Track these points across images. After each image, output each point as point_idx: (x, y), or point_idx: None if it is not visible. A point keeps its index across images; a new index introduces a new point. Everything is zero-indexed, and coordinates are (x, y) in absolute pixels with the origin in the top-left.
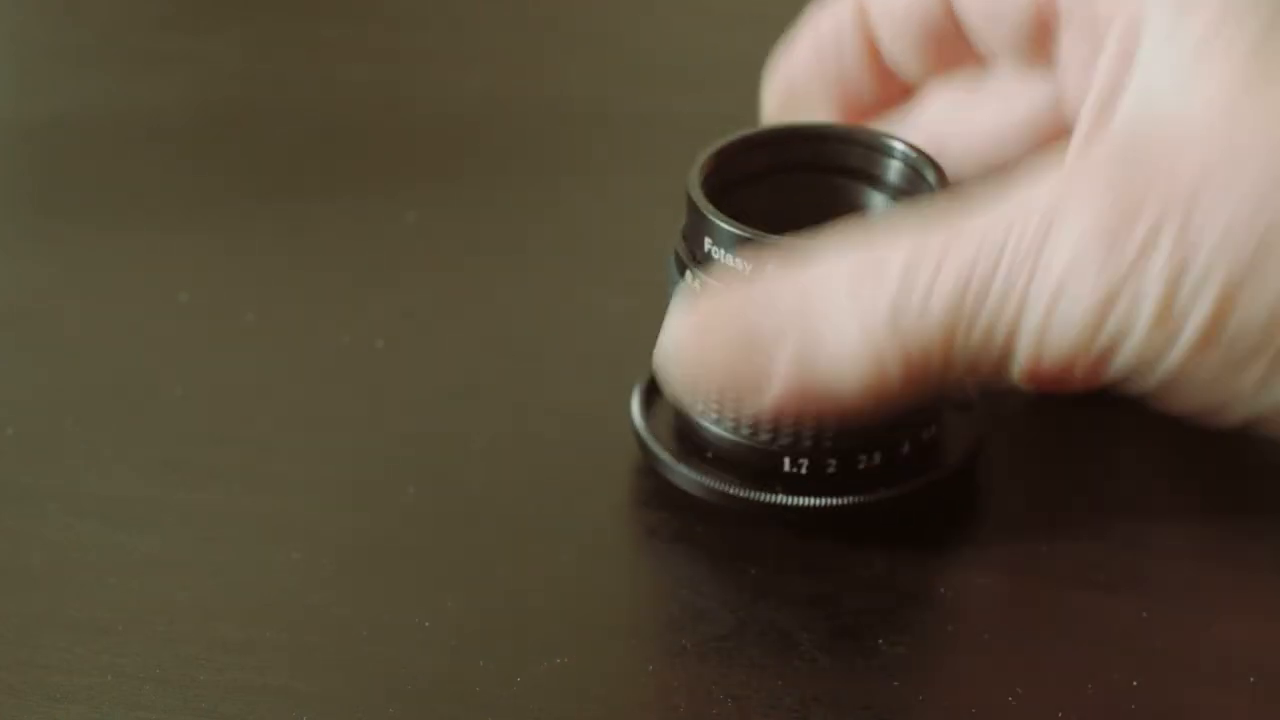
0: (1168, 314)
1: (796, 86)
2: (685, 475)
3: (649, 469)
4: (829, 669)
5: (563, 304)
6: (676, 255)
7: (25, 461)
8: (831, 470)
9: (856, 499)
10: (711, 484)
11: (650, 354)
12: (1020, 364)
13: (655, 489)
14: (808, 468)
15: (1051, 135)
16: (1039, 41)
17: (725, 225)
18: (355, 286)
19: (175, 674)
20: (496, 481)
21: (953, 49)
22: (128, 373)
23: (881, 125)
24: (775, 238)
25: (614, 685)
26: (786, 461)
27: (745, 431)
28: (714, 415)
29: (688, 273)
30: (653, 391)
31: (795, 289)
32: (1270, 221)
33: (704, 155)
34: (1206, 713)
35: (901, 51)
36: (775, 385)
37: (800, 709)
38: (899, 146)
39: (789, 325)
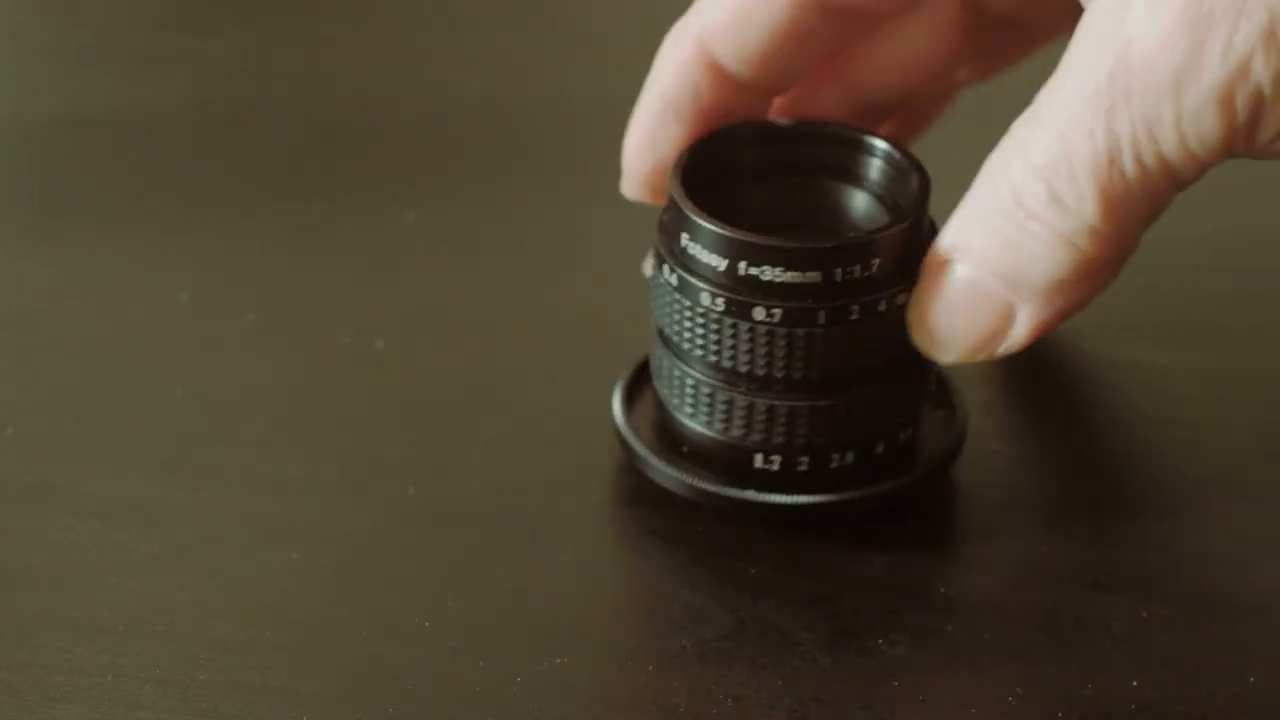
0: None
1: (661, 156)
2: (661, 470)
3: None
4: (829, 669)
5: (562, 304)
6: (655, 249)
7: (25, 461)
8: (803, 468)
9: (828, 497)
10: (685, 479)
11: (637, 351)
12: (1185, 174)
13: (655, 489)
14: (780, 464)
15: (959, 49)
16: None
17: (703, 222)
18: (355, 286)
19: (175, 674)
20: (496, 481)
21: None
22: (128, 373)
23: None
24: (754, 236)
25: (614, 685)
26: (759, 458)
27: (719, 426)
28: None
29: (665, 266)
30: (634, 388)
31: (981, 223)
32: None
33: (685, 150)
34: (1206, 713)
35: (760, 64)
36: (1020, 316)
37: (800, 709)
38: (880, 145)
39: (997, 265)
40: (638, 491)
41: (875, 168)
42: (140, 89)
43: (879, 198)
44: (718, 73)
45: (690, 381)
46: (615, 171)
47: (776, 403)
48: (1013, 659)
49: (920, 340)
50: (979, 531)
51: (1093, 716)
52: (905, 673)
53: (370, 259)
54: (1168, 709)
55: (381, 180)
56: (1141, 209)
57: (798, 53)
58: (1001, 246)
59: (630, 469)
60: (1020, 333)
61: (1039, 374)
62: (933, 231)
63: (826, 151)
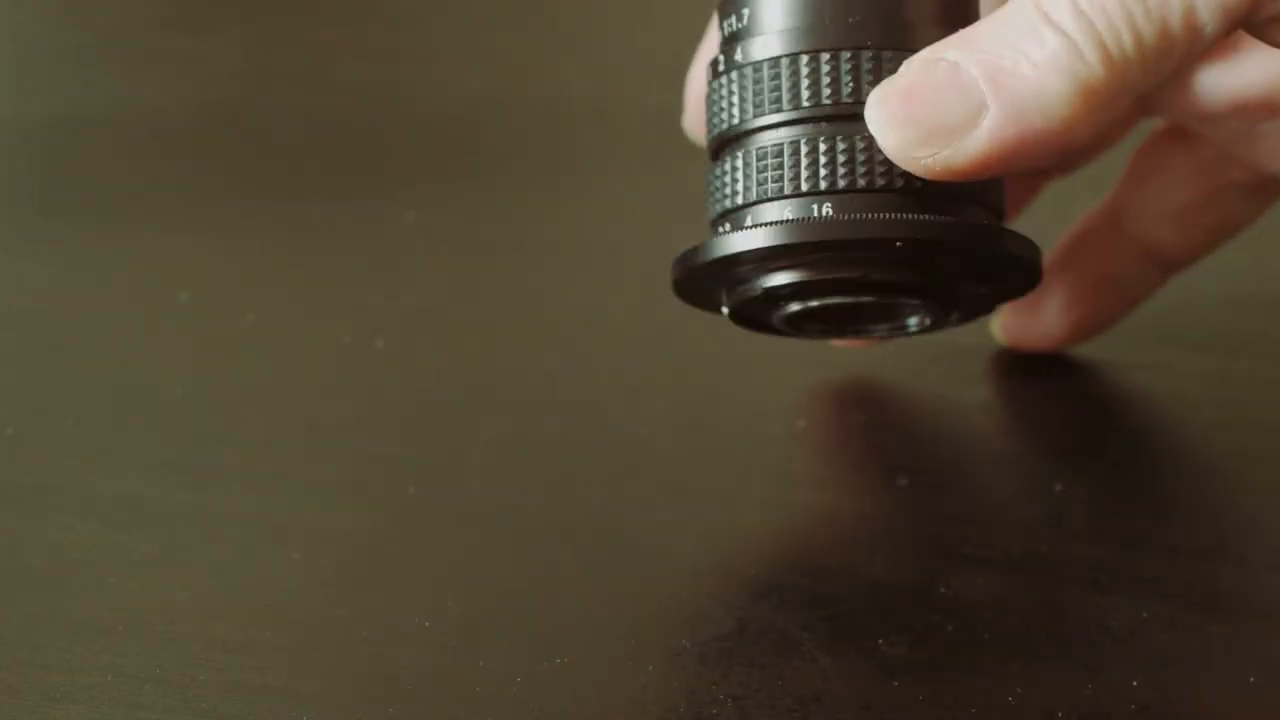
0: None
1: None
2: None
3: (650, 467)
4: (829, 669)
5: (562, 304)
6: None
7: (25, 461)
8: None
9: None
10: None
11: (647, 354)
12: (1204, 8)
13: (655, 489)
14: None
15: None
16: None
17: None
18: (355, 286)
19: (175, 674)
20: (496, 481)
21: None
22: (128, 373)
23: None
24: None
25: (614, 685)
26: None
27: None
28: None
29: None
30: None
31: (990, 33)
32: None
33: None
34: (1206, 713)
35: None
36: (987, 117)
37: (800, 709)
38: None
39: (993, 61)
40: (636, 492)
41: None
42: (140, 89)
43: None
44: None
45: None
46: (615, 171)
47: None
48: (1013, 659)
49: (876, 111)
50: (980, 532)
51: (1093, 716)
52: (905, 673)
53: (370, 259)
54: (1168, 709)
55: (381, 180)
56: (1150, 65)
57: None
58: (1000, 41)
59: (629, 469)
60: (977, 139)
61: (1039, 374)
62: None
63: None
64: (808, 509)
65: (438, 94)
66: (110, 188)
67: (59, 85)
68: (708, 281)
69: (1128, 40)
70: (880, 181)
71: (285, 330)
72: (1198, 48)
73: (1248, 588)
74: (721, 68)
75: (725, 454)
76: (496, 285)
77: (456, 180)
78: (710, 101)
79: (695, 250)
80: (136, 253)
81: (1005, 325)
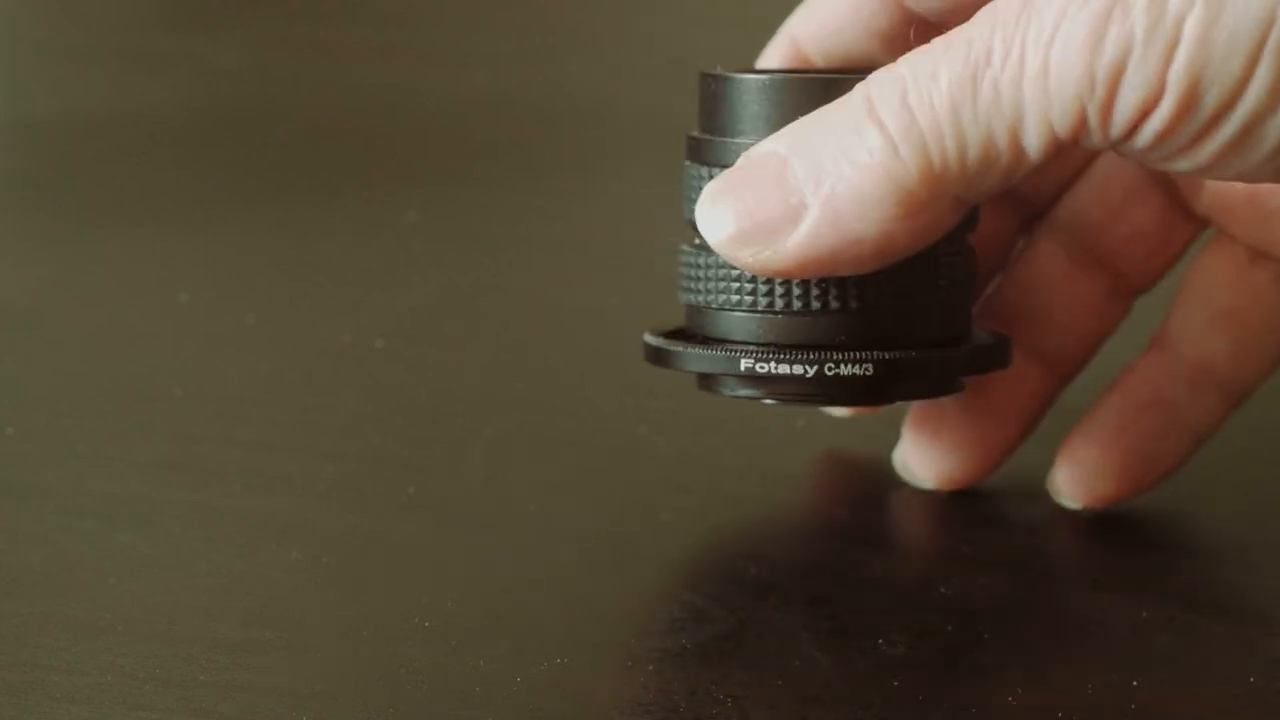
0: (1160, 19)
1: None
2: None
3: (650, 467)
4: (829, 669)
5: (563, 304)
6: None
7: (25, 461)
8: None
9: None
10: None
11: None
12: (1031, 130)
13: (654, 488)
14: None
15: None
16: None
17: None
18: (355, 286)
19: (175, 674)
20: (496, 481)
21: None
22: (128, 373)
23: None
24: None
25: (614, 685)
26: None
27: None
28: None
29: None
30: None
31: (818, 127)
32: None
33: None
34: (1206, 713)
35: None
36: (806, 218)
37: (800, 709)
38: None
39: (816, 158)
40: (636, 492)
41: None
42: (140, 89)
43: None
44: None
45: None
46: (616, 171)
47: None
48: (1013, 659)
49: (705, 208)
50: (980, 532)
51: (1093, 716)
52: (905, 673)
53: (370, 259)
54: (1168, 709)
55: (381, 180)
56: (972, 176)
57: None
58: (825, 135)
59: (629, 469)
60: (796, 241)
61: None
62: None
63: None
64: (807, 509)
65: (438, 94)
66: (110, 188)
67: (58, 85)
68: None
69: (950, 146)
70: (835, 304)
71: (285, 330)
72: (1023, 166)
73: (1248, 588)
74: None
75: (725, 454)
76: (496, 285)
77: (457, 180)
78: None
79: (665, 352)
80: (136, 253)
81: (1065, 484)
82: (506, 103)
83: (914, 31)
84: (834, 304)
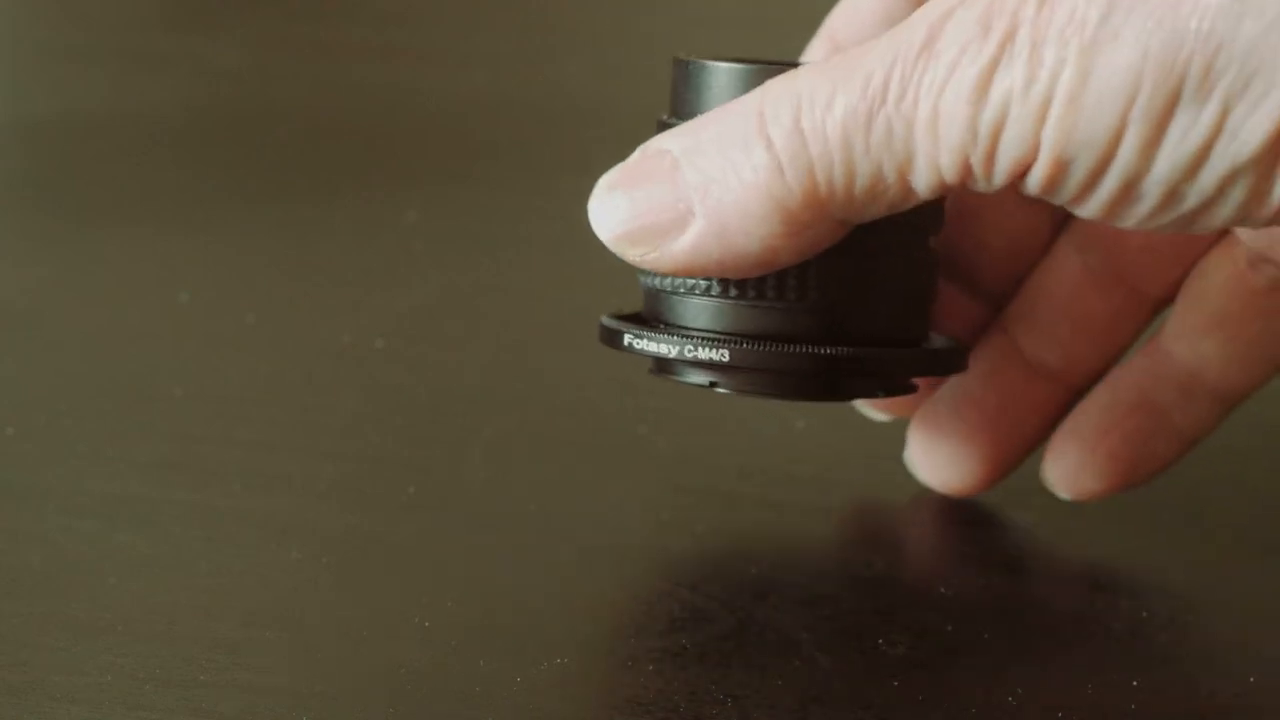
0: (1034, 77)
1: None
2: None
3: (650, 467)
4: (829, 669)
5: (563, 304)
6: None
7: (25, 461)
8: None
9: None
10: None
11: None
12: (920, 170)
13: (654, 488)
14: None
15: None
16: None
17: None
18: (355, 286)
19: (175, 674)
20: (496, 481)
21: None
22: (128, 373)
23: None
24: None
25: (614, 685)
26: None
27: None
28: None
29: None
30: None
31: (711, 131)
32: None
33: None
34: (1206, 713)
35: None
36: (692, 226)
37: (800, 709)
38: None
39: (706, 165)
40: (636, 491)
41: None
42: (140, 89)
43: None
44: None
45: None
46: None
47: None
48: (1013, 659)
49: (596, 198)
50: (980, 532)
51: (1093, 716)
52: (905, 673)
53: (370, 259)
54: (1168, 709)
55: (381, 180)
56: (857, 205)
57: None
58: (717, 143)
59: (629, 468)
60: (681, 247)
61: None
62: None
63: None
64: (808, 509)
65: (438, 94)
66: (110, 188)
67: (59, 85)
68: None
69: (839, 175)
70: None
71: (285, 330)
72: (910, 200)
73: (1247, 588)
74: None
75: (725, 454)
76: (496, 285)
77: (457, 180)
78: None
79: (617, 335)
80: (136, 253)
81: (1052, 478)
82: (506, 103)
83: None
84: (735, 292)
